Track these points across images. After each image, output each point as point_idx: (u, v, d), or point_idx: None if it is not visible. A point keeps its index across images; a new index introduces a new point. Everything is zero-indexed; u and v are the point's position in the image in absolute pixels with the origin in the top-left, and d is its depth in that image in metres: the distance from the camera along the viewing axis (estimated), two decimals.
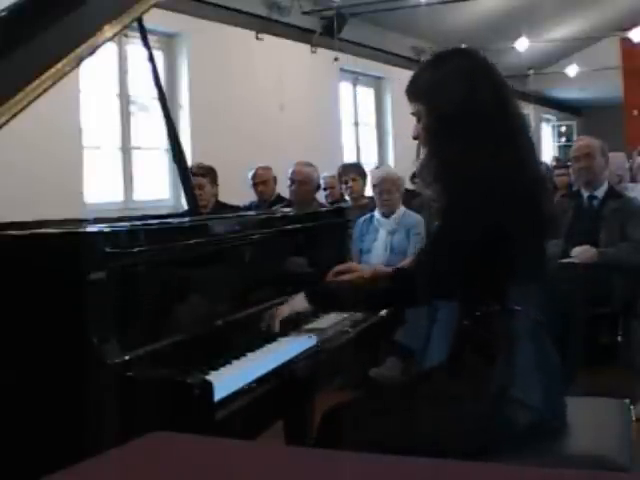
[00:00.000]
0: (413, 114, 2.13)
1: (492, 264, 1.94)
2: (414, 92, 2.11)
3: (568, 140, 17.20)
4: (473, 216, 1.95)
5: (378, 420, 1.95)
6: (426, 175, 2.13)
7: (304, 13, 8.80)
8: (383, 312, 2.60)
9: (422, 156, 2.12)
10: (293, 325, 2.31)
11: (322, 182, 5.98)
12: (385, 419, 1.95)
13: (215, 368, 1.87)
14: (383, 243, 4.78)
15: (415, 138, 2.15)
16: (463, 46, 2.15)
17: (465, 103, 2.00)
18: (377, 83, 10.74)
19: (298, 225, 2.68)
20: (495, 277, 1.95)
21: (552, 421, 1.94)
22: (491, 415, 1.87)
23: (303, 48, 8.96)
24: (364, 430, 1.93)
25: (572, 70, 14.41)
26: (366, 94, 10.65)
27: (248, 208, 5.43)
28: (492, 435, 1.87)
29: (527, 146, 2.07)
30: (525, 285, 1.97)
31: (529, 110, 15.81)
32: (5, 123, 2.08)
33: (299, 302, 2.21)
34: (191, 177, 2.96)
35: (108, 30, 2.36)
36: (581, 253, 4.29)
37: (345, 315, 2.49)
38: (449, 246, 1.98)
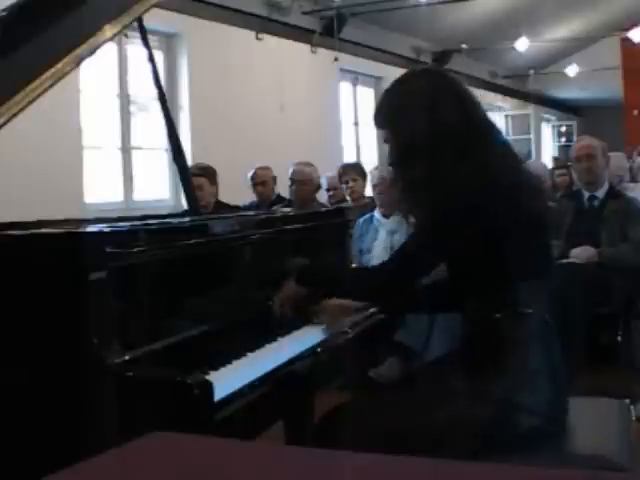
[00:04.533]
0: (385, 141, 2.13)
1: (489, 267, 1.93)
2: (378, 119, 2.12)
3: (568, 140, 17.17)
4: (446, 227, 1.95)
5: (377, 419, 1.95)
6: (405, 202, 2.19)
7: (304, 13, 8.80)
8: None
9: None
10: (293, 325, 2.31)
11: (325, 183, 5.95)
12: (384, 418, 1.95)
13: (215, 368, 1.87)
14: (383, 243, 4.76)
15: (391, 164, 2.15)
16: (427, 66, 2.17)
17: (426, 127, 1.98)
18: (377, 83, 10.72)
19: (298, 225, 2.68)
20: (497, 280, 1.93)
21: (555, 424, 1.93)
22: (493, 417, 1.87)
23: (303, 48, 8.95)
24: (363, 429, 1.93)
25: (572, 70, 14.40)
26: (366, 94, 10.64)
27: (248, 208, 5.42)
28: (493, 436, 1.87)
29: (499, 151, 2.05)
30: (531, 282, 1.95)
31: (529, 110, 15.83)
32: (5, 123, 2.08)
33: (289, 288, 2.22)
34: (191, 177, 2.96)
35: (108, 30, 2.36)
36: (581, 253, 4.28)
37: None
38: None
